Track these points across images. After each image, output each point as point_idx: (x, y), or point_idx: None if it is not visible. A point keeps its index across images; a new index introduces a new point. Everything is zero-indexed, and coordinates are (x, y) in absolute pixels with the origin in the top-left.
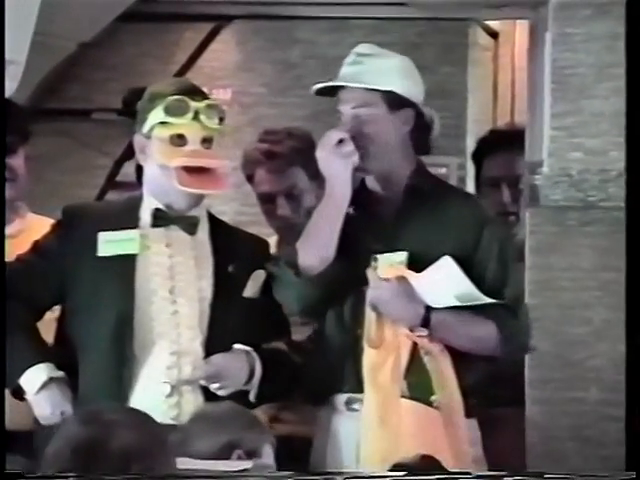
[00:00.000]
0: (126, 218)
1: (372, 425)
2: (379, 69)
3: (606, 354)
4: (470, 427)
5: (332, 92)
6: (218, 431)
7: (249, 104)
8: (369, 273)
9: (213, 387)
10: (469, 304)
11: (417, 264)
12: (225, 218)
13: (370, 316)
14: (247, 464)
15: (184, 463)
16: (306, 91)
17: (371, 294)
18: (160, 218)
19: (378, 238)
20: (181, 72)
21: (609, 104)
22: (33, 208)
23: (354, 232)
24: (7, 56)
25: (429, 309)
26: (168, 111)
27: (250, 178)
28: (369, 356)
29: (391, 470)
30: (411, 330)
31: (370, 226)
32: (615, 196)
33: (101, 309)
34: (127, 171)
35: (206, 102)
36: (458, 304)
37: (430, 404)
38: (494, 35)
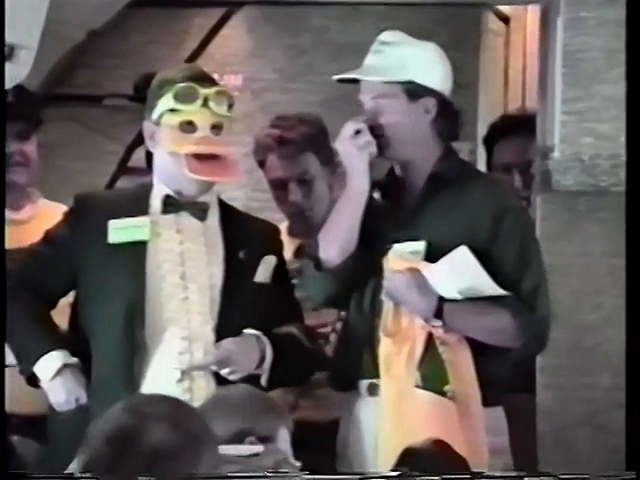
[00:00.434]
0: (136, 205)
1: (387, 414)
2: (400, 58)
3: (617, 340)
4: (493, 416)
5: (354, 80)
6: (233, 415)
7: (260, 90)
8: (384, 263)
9: (224, 372)
10: (483, 295)
11: (436, 253)
12: (236, 204)
13: (387, 306)
14: (258, 448)
15: None
16: (317, 77)
17: (385, 285)
18: (170, 205)
19: (398, 227)
20: (191, 58)
21: (620, 89)
22: (44, 194)
23: (377, 220)
24: (19, 41)
25: (442, 300)
26: (177, 98)
27: (262, 164)
28: (385, 345)
29: (402, 455)
30: (426, 321)
31: (392, 214)
32: None
33: (112, 296)
34: (138, 157)
35: (215, 88)
36: (471, 296)
37: (444, 394)
38: (506, 20)
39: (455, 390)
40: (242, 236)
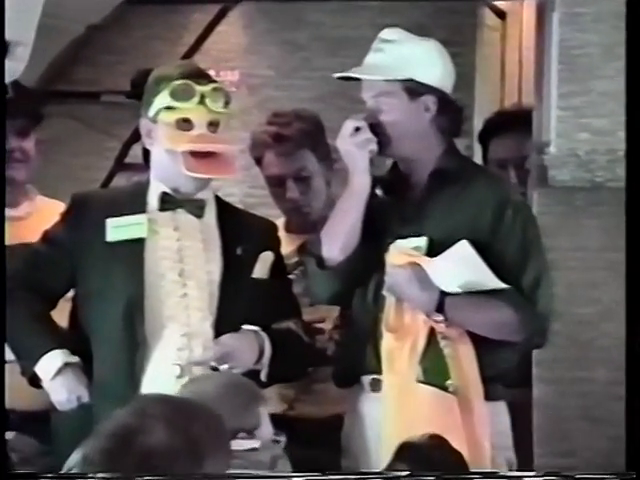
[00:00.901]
0: (134, 203)
1: (390, 409)
2: (400, 57)
3: (614, 334)
4: (495, 411)
5: (354, 77)
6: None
7: (256, 86)
8: (386, 258)
9: (223, 367)
10: (484, 289)
11: (438, 248)
12: (233, 200)
13: (390, 301)
14: (255, 443)
15: None
16: (314, 73)
17: (387, 280)
18: (167, 202)
19: (402, 223)
20: (189, 54)
21: (617, 84)
22: (42, 190)
23: (379, 217)
24: (14, 37)
25: (443, 294)
26: (174, 95)
27: (259, 161)
28: (387, 340)
29: (399, 449)
30: (428, 315)
31: (394, 210)
32: (623, 176)
33: (111, 294)
34: (135, 153)
35: (212, 86)
36: (472, 290)
37: (446, 389)
38: (502, 15)
39: (457, 385)
40: (239, 233)
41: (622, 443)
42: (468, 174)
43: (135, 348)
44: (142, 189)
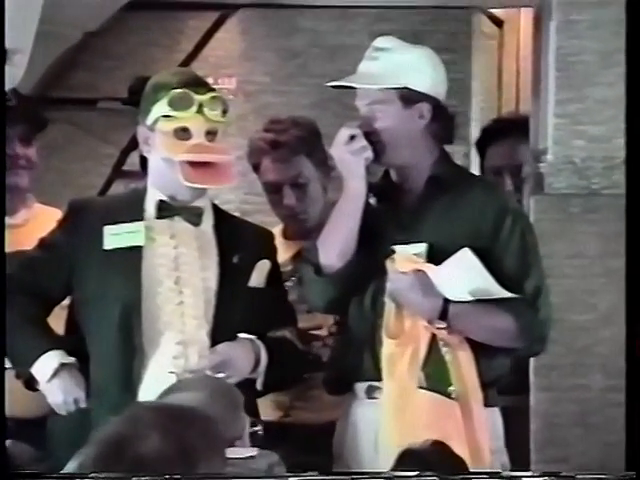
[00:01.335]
0: (131, 210)
1: (389, 415)
2: (395, 65)
3: (611, 341)
4: (490, 417)
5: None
6: None
7: (253, 93)
8: (388, 265)
9: (219, 376)
10: (487, 297)
11: (437, 255)
12: (230, 207)
13: (389, 307)
14: (253, 451)
15: None
16: (310, 79)
17: (389, 286)
18: (164, 209)
19: (399, 229)
20: (186, 61)
21: (613, 91)
22: (39, 197)
23: (375, 224)
24: (12, 45)
25: (447, 302)
26: (172, 104)
27: (256, 167)
28: (388, 347)
29: (401, 455)
30: (430, 322)
31: (391, 217)
32: (619, 183)
33: (108, 301)
34: (133, 160)
35: (210, 95)
36: (476, 297)
37: (448, 395)
38: (499, 23)
39: (458, 391)
40: (236, 241)
41: (618, 449)
42: (463, 181)
43: (132, 355)
44: (139, 196)
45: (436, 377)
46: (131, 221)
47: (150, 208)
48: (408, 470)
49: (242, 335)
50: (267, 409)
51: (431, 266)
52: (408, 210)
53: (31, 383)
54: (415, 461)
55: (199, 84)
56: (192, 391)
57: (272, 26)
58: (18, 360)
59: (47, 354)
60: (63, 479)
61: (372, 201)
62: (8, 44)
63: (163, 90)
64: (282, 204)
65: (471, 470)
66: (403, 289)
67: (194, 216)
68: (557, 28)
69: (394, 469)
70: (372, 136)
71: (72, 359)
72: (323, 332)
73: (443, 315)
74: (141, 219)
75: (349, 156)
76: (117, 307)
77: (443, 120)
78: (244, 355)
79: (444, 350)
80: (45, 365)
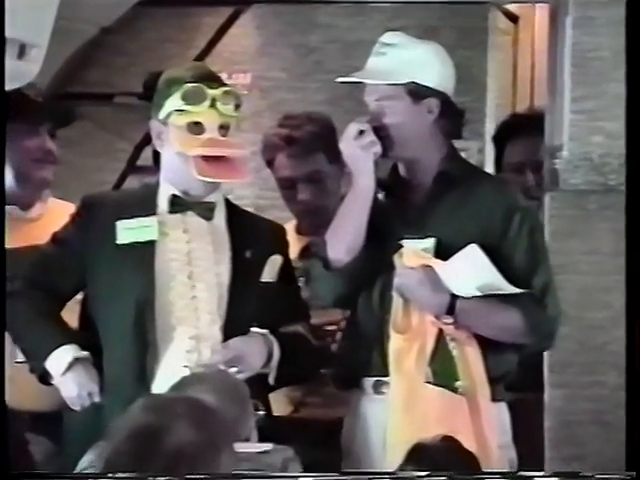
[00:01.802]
0: (144, 205)
1: (397, 410)
2: (403, 61)
3: (625, 338)
4: (498, 412)
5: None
6: None
7: (268, 89)
8: (396, 260)
9: (232, 371)
10: (494, 293)
11: (445, 251)
12: (245, 202)
13: (397, 302)
14: (268, 446)
15: None
16: (326, 76)
17: (397, 281)
18: (177, 204)
19: (407, 225)
20: (201, 57)
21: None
22: (53, 191)
23: (383, 219)
24: (30, 40)
25: (454, 297)
26: (185, 99)
27: (270, 163)
28: (395, 342)
29: (411, 451)
30: (437, 317)
31: (399, 212)
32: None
33: (122, 296)
34: (147, 156)
35: (223, 89)
36: (483, 293)
37: (455, 390)
38: (514, 19)
39: (466, 386)
40: (248, 236)
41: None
42: (472, 178)
43: (145, 350)
44: (152, 191)
45: (443, 372)
46: (144, 216)
47: (163, 203)
48: (419, 465)
49: (255, 329)
50: (279, 404)
51: (439, 261)
52: (416, 205)
53: (45, 377)
54: (425, 456)
55: (212, 78)
56: (199, 386)
57: (287, 22)
58: (32, 354)
59: (61, 348)
60: (63, 479)
61: (380, 196)
62: (26, 38)
63: (176, 84)
64: (296, 199)
65: (483, 470)
66: (411, 284)
67: (207, 211)
68: (573, 24)
69: (404, 464)
70: (381, 131)
71: (86, 353)
72: (334, 327)
73: (450, 310)
74: (154, 214)
75: (358, 151)
76: (130, 302)
77: (452, 115)
78: (257, 350)
79: (451, 345)
80: (59, 359)
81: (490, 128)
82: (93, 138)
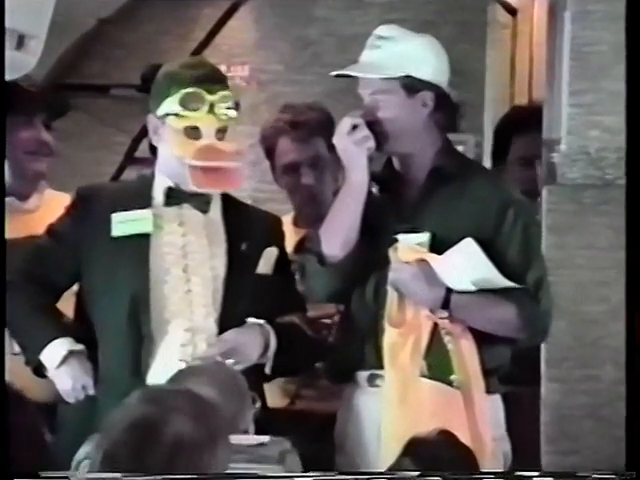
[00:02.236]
0: (139, 198)
1: (392, 404)
2: (397, 54)
3: (622, 333)
4: (492, 404)
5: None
6: None
7: (266, 81)
8: (390, 254)
9: (228, 363)
10: (489, 287)
11: (440, 245)
12: (242, 195)
13: (392, 296)
14: (264, 438)
15: None
16: (323, 69)
17: (392, 276)
18: (173, 197)
19: (401, 219)
20: (199, 49)
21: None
22: (50, 183)
23: (378, 213)
24: (28, 31)
25: (449, 291)
26: (183, 104)
27: (270, 152)
28: (390, 336)
29: (407, 445)
30: (432, 311)
31: (394, 207)
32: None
33: (117, 289)
34: (145, 148)
35: (222, 94)
36: (479, 287)
37: (450, 384)
38: (513, 12)
39: (460, 379)
40: (244, 228)
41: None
42: (467, 171)
43: (140, 343)
44: (147, 183)
45: (438, 366)
46: (139, 208)
47: (158, 195)
48: (415, 460)
49: (251, 320)
50: (274, 397)
51: (434, 256)
52: (411, 200)
53: (40, 370)
54: (421, 450)
55: (212, 80)
56: (198, 379)
57: (285, 15)
58: (27, 347)
59: (56, 341)
60: (63, 478)
61: (375, 190)
62: (24, 29)
63: (175, 85)
64: (300, 184)
65: (480, 470)
66: (406, 279)
67: (202, 203)
68: (571, 18)
69: (400, 459)
70: (375, 125)
71: (81, 346)
72: (330, 320)
73: (445, 304)
74: (149, 206)
75: (351, 146)
76: (125, 295)
77: (447, 108)
78: (253, 341)
79: (446, 339)
80: (54, 352)
81: (488, 121)
82: (91, 130)
